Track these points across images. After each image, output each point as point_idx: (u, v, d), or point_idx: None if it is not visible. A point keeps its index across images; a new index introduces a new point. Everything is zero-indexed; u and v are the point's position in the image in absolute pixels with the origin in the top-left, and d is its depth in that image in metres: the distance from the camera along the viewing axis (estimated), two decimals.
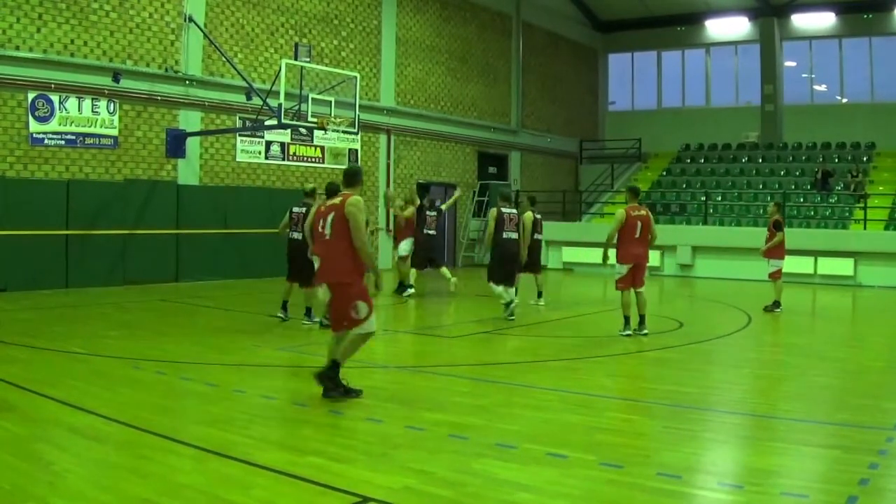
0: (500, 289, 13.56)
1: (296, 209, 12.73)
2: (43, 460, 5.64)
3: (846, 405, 7.93)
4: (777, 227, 15.57)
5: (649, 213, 12.23)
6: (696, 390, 8.64)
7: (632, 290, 11.91)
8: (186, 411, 7.42)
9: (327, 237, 7.57)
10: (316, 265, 12.61)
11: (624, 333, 11.76)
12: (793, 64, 32.75)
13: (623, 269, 11.86)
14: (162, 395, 7.82)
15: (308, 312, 12.67)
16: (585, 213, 30.33)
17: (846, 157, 29.32)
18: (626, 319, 11.85)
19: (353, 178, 7.83)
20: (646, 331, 11.89)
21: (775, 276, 15.65)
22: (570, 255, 26.43)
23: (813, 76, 32.53)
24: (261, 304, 13.87)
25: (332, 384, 7.45)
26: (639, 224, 11.80)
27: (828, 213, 25.92)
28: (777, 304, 15.41)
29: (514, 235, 13.79)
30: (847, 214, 25.59)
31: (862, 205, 24.94)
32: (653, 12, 33.48)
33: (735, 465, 6.09)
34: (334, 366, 7.51)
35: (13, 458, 5.64)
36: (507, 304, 13.49)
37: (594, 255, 25.40)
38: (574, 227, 27.55)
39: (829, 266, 22.36)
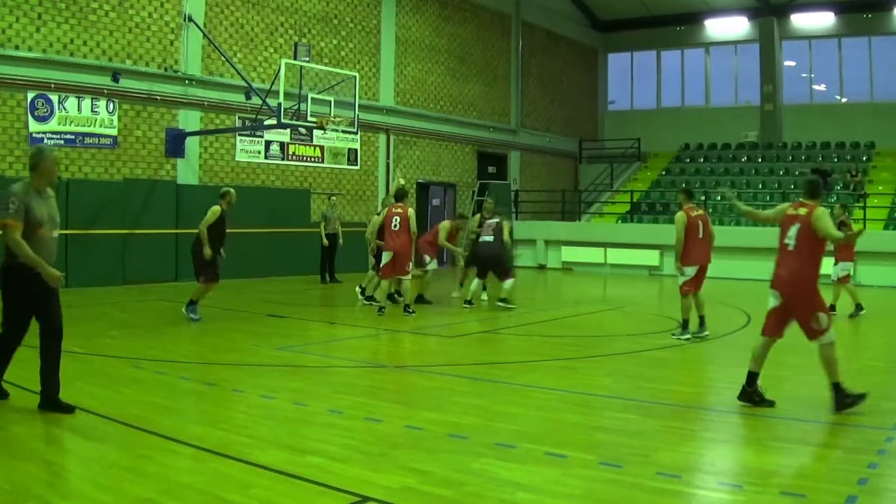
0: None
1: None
2: (43, 460, 5.68)
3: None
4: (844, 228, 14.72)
5: (706, 213, 11.99)
6: (695, 389, 8.74)
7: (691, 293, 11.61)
8: (186, 411, 7.44)
9: (790, 249, 7.64)
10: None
11: (682, 337, 11.61)
12: (792, 63, 32.90)
13: (690, 272, 11.59)
14: (161, 394, 7.84)
15: (192, 304, 12.80)
16: (585, 212, 30.46)
17: (845, 156, 29.39)
18: (685, 323, 11.70)
19: (815, 188, 7.82)
20: (706, 332, 11.73)
21: (844, 280, 15.03)
22: (570, 254, 26.59)
23: (812, 76, 32.65)
24: (260, 303, 13.90)
25: (847, 400, 7.47)
26: (700, 224, 11.60)
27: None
28: (859, 307, 14.92)
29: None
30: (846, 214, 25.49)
31: (861, 204, 24.94)
32: (652, 12, 33.61)
33: (734, 465, 6.11)
34: (836, 387, 7.53)
35: (13, 458, 5.67)
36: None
37: (594, 254, 25.79)
38: (573, 227, 27.74)
39: (827, 265, 22.20)
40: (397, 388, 8.60)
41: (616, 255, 25.79)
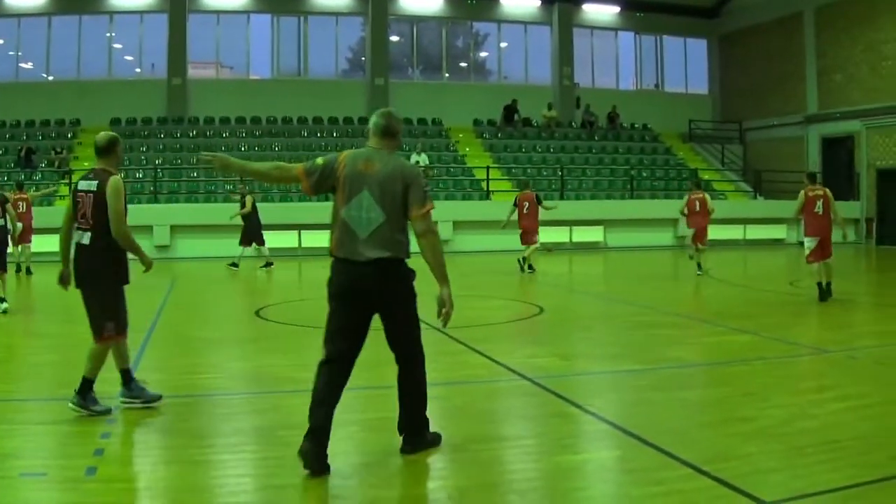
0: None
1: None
2: None
3: (68, 380, 7.74)
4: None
5: (827, 192, 14.63)
6: None
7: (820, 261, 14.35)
8: None
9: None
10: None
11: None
12: (0, 41, 35.57)
13: (811, 243, 14.55)
14: None
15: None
16: None
17: (51, 134, 33.01)
18: (820, 286, 14.41)
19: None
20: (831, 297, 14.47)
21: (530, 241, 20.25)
22: None
23: (20, 53, 35.66)
24: None
25: None
26: (819, 202, 14.35)
27: (34, 190, 28.64)
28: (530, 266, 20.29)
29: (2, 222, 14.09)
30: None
31: (66, 181, 28.13)
32: None
33: None
34: None
35: None
36: None
37: None
38: None
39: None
40: None
41: None
